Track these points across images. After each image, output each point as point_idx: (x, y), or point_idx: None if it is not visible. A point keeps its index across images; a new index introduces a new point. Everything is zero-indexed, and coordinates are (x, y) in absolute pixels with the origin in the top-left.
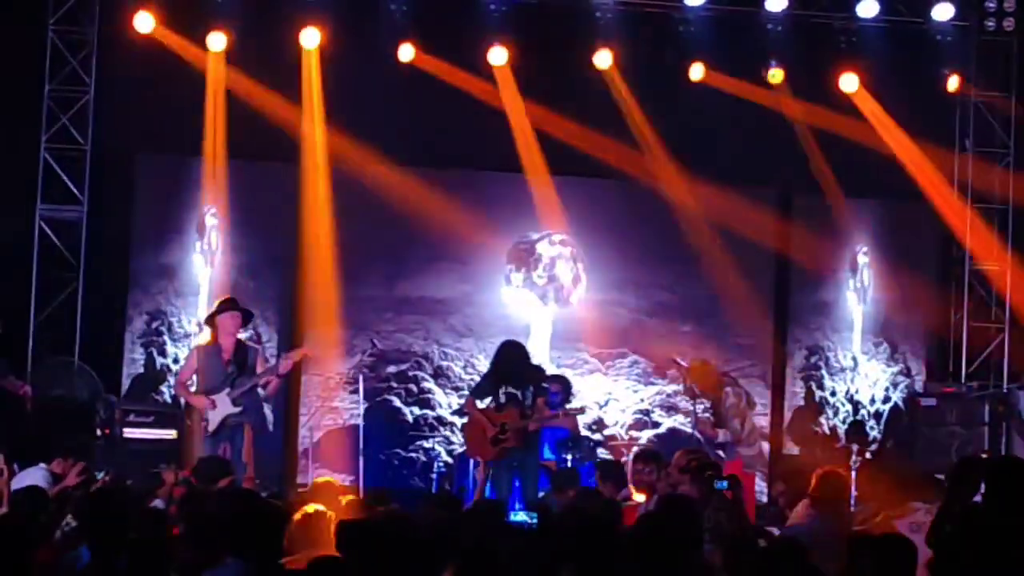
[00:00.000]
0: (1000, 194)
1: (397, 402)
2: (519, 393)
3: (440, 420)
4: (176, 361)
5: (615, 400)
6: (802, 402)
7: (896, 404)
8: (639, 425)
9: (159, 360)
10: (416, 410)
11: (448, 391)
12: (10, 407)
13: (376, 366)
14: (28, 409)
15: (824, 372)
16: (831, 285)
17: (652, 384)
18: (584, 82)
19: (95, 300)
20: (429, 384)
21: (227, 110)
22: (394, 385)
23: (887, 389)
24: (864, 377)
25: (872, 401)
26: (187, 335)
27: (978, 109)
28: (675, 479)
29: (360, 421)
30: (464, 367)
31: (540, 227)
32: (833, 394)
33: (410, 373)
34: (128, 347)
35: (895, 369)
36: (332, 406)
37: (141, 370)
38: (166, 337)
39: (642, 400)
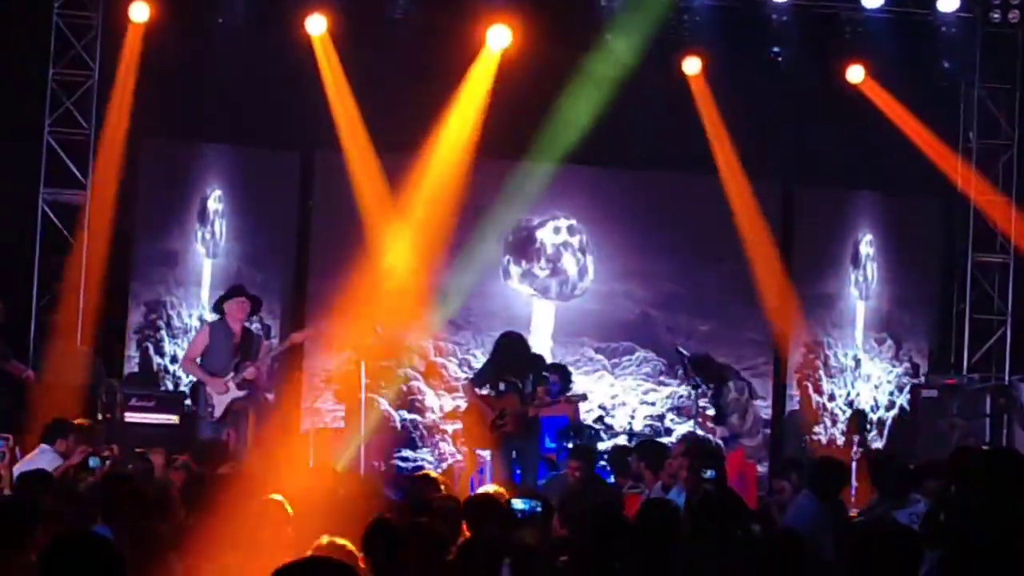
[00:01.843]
0: (1003, 185)
1: (384, 404)
2: (519, 381)
3: (430, 428)
4: (174, 360)
5: (623, 404)
6: (797, 406)
7: (903, 408)
8: (651, 433)
9: (156, 360)
10: (405, 414)
11: (440, 392)
12: (13, 391)
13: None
14: (30, 393)
15: (822, 373)
16: (833, 278)
17: (665, 385)
18: (589, 70)
19: (97, 284)
20: (418, 383)
21: (234, 97)
22: (381, 384)
23: (891, 393)
24: (866, 380)
25: (875, 407)
26: (186, 331)
27: (982, 101)
28: (675, 469)
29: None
30: (459, 364)
31: (541, 211)
32: (832, 398)
33: (401, 371)
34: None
35: (900, 370)
36: (314, 407)
37: (136, 369)
38: (163, 333)
39: (653, 404)
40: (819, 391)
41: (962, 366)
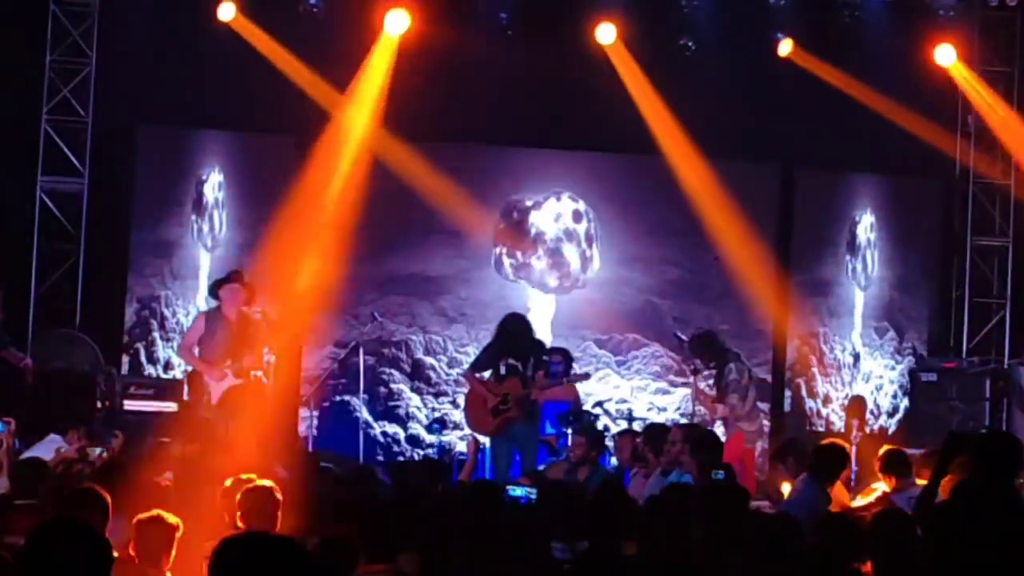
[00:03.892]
0: (1002, 169)
1: (364, 412)
2: (519, 365)
3: (415, 440)
4: (167, 369)
5: (632, 410)
6: (790, 407)
7: (906, 409)
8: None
9: (148, 368)
10: (385, 425)
11: (427, 395)
12: (11, 379)
13: (346, 357)
14: (29, 381)
15: (816, 371)
16: (831, 264)
17: (676, 386)
18: (587, 55)
19: (95, 272)
20: (402, 387)
21: (230, 81)
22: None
23: (895, 396)
24: (866, 380)
25: (876, 412)
26: (182, 331)
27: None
28: (674, 455)
29: (361, 415)
30: (448, 363)
31: (534, 194)
32: (826, 402)
33: (383, 372)
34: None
35: (903, 366)
36: None
37: (126, 371)
38: (156, 334)
39: (665, 408)
40: (813, 394)
41: (961, 349)
